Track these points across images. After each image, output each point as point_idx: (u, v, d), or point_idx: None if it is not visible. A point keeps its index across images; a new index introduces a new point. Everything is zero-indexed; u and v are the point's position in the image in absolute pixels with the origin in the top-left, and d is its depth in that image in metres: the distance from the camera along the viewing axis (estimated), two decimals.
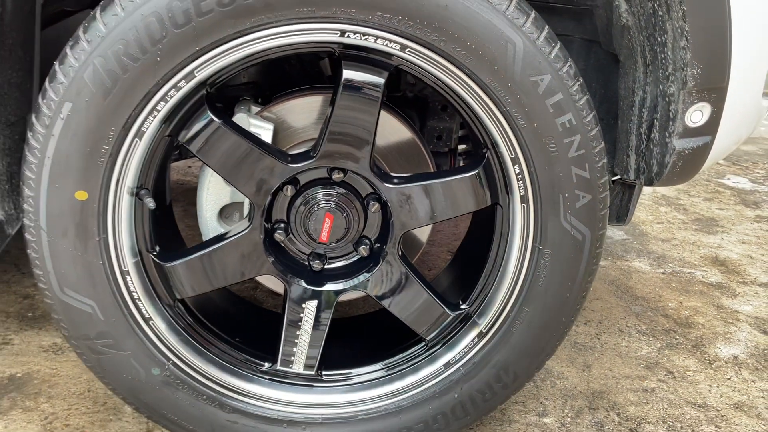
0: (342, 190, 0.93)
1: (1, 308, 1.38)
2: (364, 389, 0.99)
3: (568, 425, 1.15)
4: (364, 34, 0.78)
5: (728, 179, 2.56)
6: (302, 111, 0.96)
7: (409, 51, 0.80)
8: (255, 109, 0.97)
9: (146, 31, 0.74)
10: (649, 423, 1.17)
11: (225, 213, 0.97)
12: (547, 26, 0.81)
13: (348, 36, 0.79)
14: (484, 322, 0.95)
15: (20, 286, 1.47)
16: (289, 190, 0.91)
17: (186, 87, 0.79)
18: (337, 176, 0.91)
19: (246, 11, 0.75)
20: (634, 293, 1.64)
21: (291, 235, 0.95)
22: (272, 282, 1.03)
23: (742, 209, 2.28)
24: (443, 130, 1.14)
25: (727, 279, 1.75)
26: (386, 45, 0.79)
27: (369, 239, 0.96)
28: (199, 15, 0.74)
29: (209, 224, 0.96)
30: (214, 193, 0.95)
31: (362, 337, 1.13)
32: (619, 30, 0.97)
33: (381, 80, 0.83)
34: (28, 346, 1.26)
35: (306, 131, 0.96)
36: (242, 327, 1.07)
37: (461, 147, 1.16)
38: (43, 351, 1.25)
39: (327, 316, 0.95)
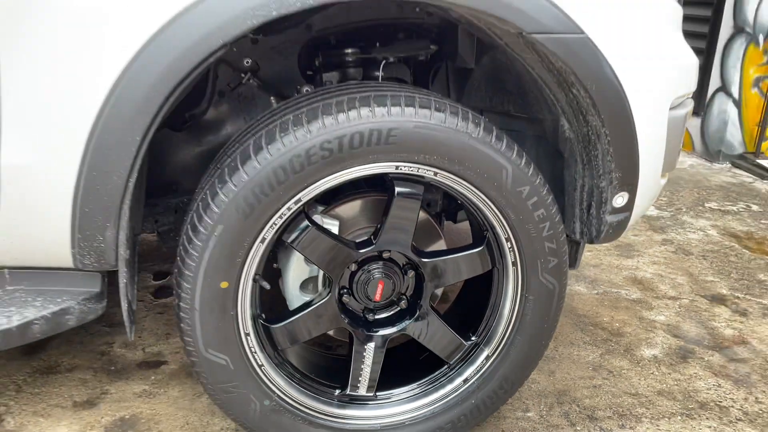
0: (389, 264, 1.33)
1: (87, 365, 1.69)
2: (408, 402, 1.39)
3: (544, 416, 1.58)
4: (411, 167, 1.20)
5: None
6: (354, 210, 1.36)
7: (439, 175, 1.21)
8: (320, 208, 1.36)
9: (275, 177, 1.12)
10: (600, 410, 1.62)
11: (304, 285, 1.35)
12: (525, 154, 1.25)
13: (400, 168, 1.19)
14: (490, 349, 1.37)
15: (93, 345, 1.78)
16: (353, 266, 1.30)
17: (294, 208, 1.18)
18: (386, 255, 1.32)
19: (338, 160, 1.14)
20: (577, 312, 2.11)
21: (353, 297, 1.34)
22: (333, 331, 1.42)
23: (652, 234, 2.82)
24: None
25: (644, 295, 2.26)
26: (425, 172, 1.21)
27: (406, 296, 1.37)
28: (309, 164, 1.13)
29: (293, 294, 1.34)
30: (297, 271, 1.33)
31: (401, 364, 1.53)
32: (563, 139, 1.42)
33: (420, 192, 1.25)
34: (124, 394, 1.59)
35: (357, 223, 1.36)
36: (316, 366, 1.45)
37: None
38: (138, 396, 1.58)
39: (381, 352, 1.35)
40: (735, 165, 3.98)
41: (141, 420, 1.50)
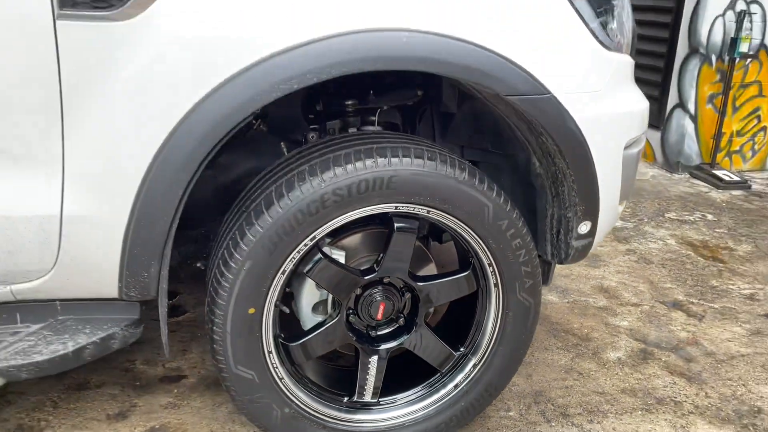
0: (388, 287, 1.54)
1: (114, 381, 1.88)
2: (407, 406, 1.61)
3: (524, 415, 1.81)
4: (408, 207, 1.41)
5: None
6: (357, 241, 1.57)
7: (432, 213, 1.43)
8: (328, 240, 1.56)
9: (294, 220, 1.33)
10: (571, 407, 1.86)
11: (315, 308, 1.56)
12: (503, 193, 1.47)
13: (398, 208, 1.41)
14: (476, 358, 1.60)
15: (117, 362, 1.96)
16: (358, 290, 1.52)
17: (310, 243, 1.38)
18: (386, 279, 1.53)
19: (348, 204, 1.35)
20: (550, 320, 2.35)
21: (358, 317, 1.55)
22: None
23: (617, 245, 3.09)
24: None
25: (609, 303, 2.51)
26: (420, 211, 1.42)
27: (404, 315, 1.59)
28: (323, 208, 1.34)
29: (306, 316, 1.55)
30: (309, 296, 1.53)
31: (400, 373, 1.74)
32: (535, 174, 1.65)
33: (415, 227, 1.47)
34: (151, 406, 1.77)
35: (360, 253, 1.57)
36: (327, 377, 1.66)
37: None
38: (165, 408, 1.77)
39: (383, 364, 1.56)
40: (693, 175, 4.28)
41: (170, 429, 1.68)
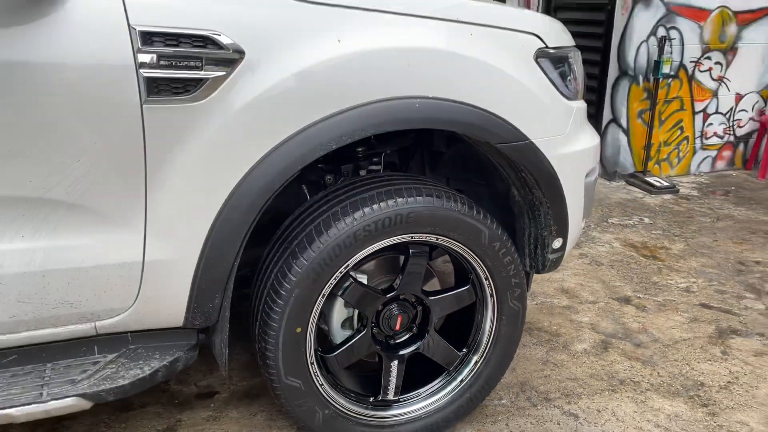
0: (403, 302, 1.85)
1: (155, 401, 2.10)
2: (423, 400, 1.92)
3: (513, 401, 2.15)
4: (421, 236, 1.73)
5: None
6: (376, 266, 1.87)
7: (440, 239, 1.75)
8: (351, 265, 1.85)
9: (333, 252, 1.62)
10: (552, 393, 2.21)
11: (343, 324, 1.85)
12: (495, 220, 1.81)
13: (414, 237, 1.72)
14: (478, 355, 1.93)
15: None
16: (380, 306, 1.82)
17: (344, 271, 1.68)
18: (401, 296, 1.84)
19: (375, 237, 1.65)
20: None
21: (380, 329, 1.85)
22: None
23: (571, 250, 3.49)
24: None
25: (571, 302, 2.89)
26: (430, 238, 1.74)
27: (416, 324, 1.90)
28: (356, 241, 1.64)
29: (337, 331, 1.84)
30: (339, 314, 1.83)
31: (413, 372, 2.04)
32: (514, 202, 2.00)
33: (426, 251, 1.78)
34: (195, 420, 2.02)
35: (379, 275, 1.87)
36: (355, 381, 1.95)
37: None
38: (207, 420, 2.02)
39: (402, 367, 1.87)
40: (629, 183, 4.77)
41: None
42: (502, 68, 1.71)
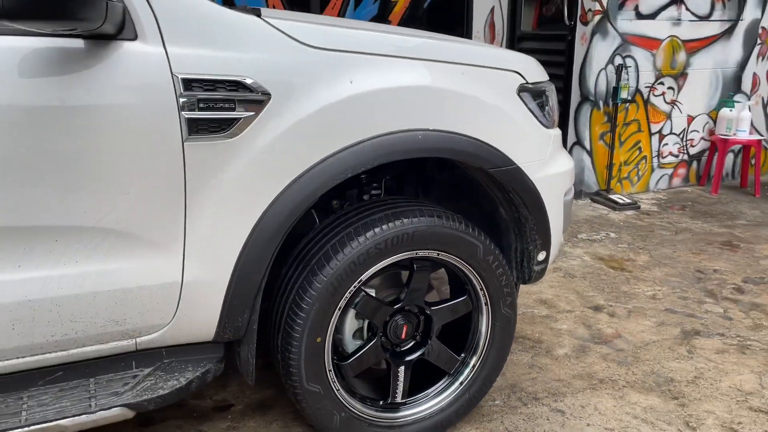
0: (407, 313, 2.05)
1: (174, 415, 2.25)
2: (427, 402, 2.11)
3: (506, 402, 2.36)
4: (424, 252, 1.94)
5: None
6: (383, 280, 2.07)
7: (441, 255, 1.96)
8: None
9: (349, 268, 1.82)
10: (539, 393, 2.43)
11: (354, 334, 2.04)
12: (488, 237, 2.03)
13: (418, 253, 1.93)
14: (474, 360, 2.13)
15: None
16: (387, 317, 2.02)
17: (357, 285, 1.87)
18: (406, 307, 2.04)
19: (384, 254, 1.85)
20: None
21: (387, 338, 2.05)
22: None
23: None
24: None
25: (550, 311, 3.13)
26: (432, 254, 1.95)
27: (420, 332, 2.10)
28: (368, 258, 1.84)
29: (349, 341, 2.02)
30: (351, 325, 2.01)
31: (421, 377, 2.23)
32: (500, 219, 2.23)
33: (429, 266, 1.99)
34: (216, 430, 2.17)
35: (385, 288, 2.07)
36: (366, 386, 2.13)
37: None
38: (227, 430, 2.17)
39: (408, 372, 2.06)
40: (593, 200, 5.08)
41: None
42: (490, 102, 1.95)
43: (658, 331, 2.94)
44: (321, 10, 5.21)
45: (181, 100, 1.56)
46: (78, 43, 1.49)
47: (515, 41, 5.69)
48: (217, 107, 1.60)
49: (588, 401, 2.37)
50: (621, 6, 4.79)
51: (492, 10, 5.99)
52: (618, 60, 4.88)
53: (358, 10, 5.41)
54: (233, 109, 1.62)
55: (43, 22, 1.33)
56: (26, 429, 1.59)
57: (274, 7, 5.00)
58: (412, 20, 5.67)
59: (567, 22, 4.99)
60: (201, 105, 1.59)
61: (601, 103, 4.94)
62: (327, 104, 1.72)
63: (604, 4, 4.73)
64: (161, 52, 1.55)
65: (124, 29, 1.52)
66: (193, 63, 1.58)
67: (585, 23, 4.83)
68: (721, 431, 2.21)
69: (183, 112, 1.57)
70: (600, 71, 4.86)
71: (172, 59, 1.56)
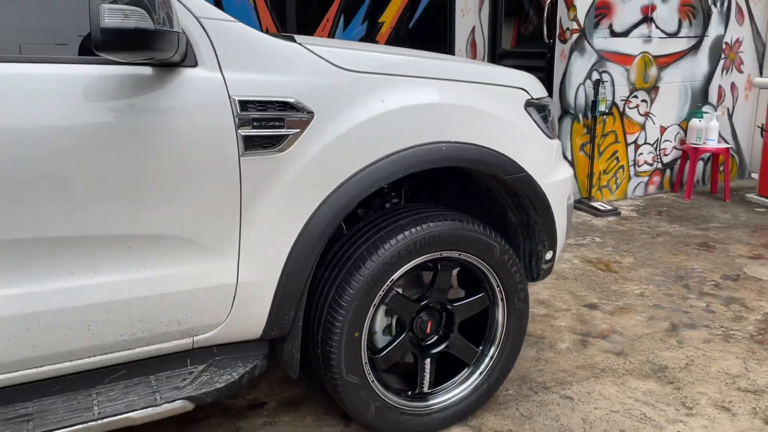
0: (431, 309, 2.25)
1: (214, 413, 2.39)
2: (449, 392, 2.30)
3: (519, 391, 2.56)
4: (448, 253, 2.14)
5: None
6: (408, 279, 2.26)
7: (462, 255, 2.16)
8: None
9: (382, 269, 2.01)
10: (548, 383, 2.63)
11: (383, 330, 2.23)
12: (503, 238, 2.25)
13: (442, 254, 2.14)
14: (492, 350, 2.33)
15: None
16: (414, 314, 2.21)
17: (390, 284, 2.06)
18: (432, 304, 2.24)
19: (413, 255, 2.05)
20: None
21: (413, 333, 2.23)
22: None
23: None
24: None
25: (548, 311, 3.35)
26: (454, 254, 2.16)
27: (442, 327, 2.29)
28: (399, 259, 2.03)
29: (379, 337, 2.21)
30: (381, 322, 2.20)
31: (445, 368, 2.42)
32: (509, 223, 2.45)
33: (451, 266, 2.19)
34: (253, 426, 2.32)
35: (411, 287, 2.26)
36: (396, 378, 2.31)
37: None
38: (264, 426, 2.32)
39: (434, 364, 2.25)
40: (577, 208, 5.35)
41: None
42: (502, 116, 2.18)
43: (649, 324, 3.18)
44: (312, 32, 5.44)
45: (238, 119, 1.75)
46: (147, 70, 1.67)
47: (496, 59, 5.97)
48: (269, 125, 1.79)
49: (593, 388, 2.59)
50: (596, 25, 5.10)
51: (473, 30, 6.28)
52: (595, 75, 5.18)
53: (347, 30, 5.64)
54: (282, 127, 1.81)
55: (128, 53, 1.51)
56: (100, 422, 1.74)
57: (267, 30, 5.20)
58: (397, 40, 5.92)
59: (546, 40, 5.29)
60: (254, 123, 1.77)
61: (580, 116, 5.23)
62: (362, 121, 1.92)
63: (581, 24, 5.04)
64: (219, 77, 1.74)
65: (187, 57, 1.71)
66: (247, 86, 1.77)
67: (564, 41, 5.13)
68: (715, 409, 2.44)
69: (239, 130, 1.75)
70: (579, 86, 5.15)
71: (228, 83, 1.75)
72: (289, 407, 2.44)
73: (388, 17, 5.79)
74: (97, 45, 1.44)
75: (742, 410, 2.44)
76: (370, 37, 5.70)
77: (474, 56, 6.30)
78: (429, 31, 6.05)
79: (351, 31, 5.65)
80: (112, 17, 1.42)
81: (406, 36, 5.99)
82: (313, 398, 2.49)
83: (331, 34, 5.55)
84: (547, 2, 5.26)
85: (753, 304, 3.41)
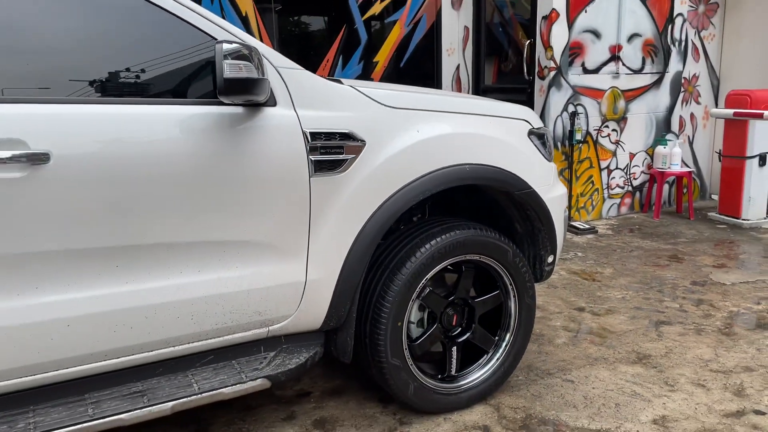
0: (455, 305, 2.68)
1: (268, 403, 2.76)
2: (472, 375, 2.71)
3: (527, 377, 2.99)
4: (470, 256, 2.58)
5: None
6: (433, 281, 2.69)
7: (482, 257, 2.60)
8: None
9: (419, 269, 2.43)
10: (551, 369, 3.06)
11: (417, 322, 2.64)
12: (514, 243, 2.70)
13: (466, 257, 2.57)
14: (508, 336, 2.76)
15: (257, 393, 2.85)
16: (443, 308, 2.63)
17: (424, 282, 2.49)
18: (456, 301, 2.67)
19: (444, 257, 2.49)
20: None
21: (441, 325, 2.65)
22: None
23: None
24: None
25: (543, 313, 3.80)
26: (475, 257, 2.60)
27: (465, 320, 2.72)
28: (433, 261, 2.46)
29: (412, 328, 2.62)
30: (415, 315, 2.62)
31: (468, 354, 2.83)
32: (515, 232, 2.91)
33: (473, 267, 2.63)
34: (305, 409, 2.69)
35: (438, 286, 2.69)
36: (428, 363, 2.72)
37: None
38: (314, 409, 2.70)
39: (459, 352, 2.67)
40: None
41: (328, 418, 2.63)
42: (511, 143, 2.65)
43: (632, 323, 3.65)
44: (314, 71, 5.91)
45: (309, 147, 2.18)
46: (239, 109, 2.10)
47: (480, 93, 6.52)
48: (332, 152, 2.23)
49: (589, 373, 3.03)
50: (571, 63, 5.68)
51: (458, 68, 6.84)
52: (571, 108, 5.74)
53: (345, 69, 6.14)
54: (342, 153, 2.25)
55: (238, 96, 1.94)
56: (200, 396, 2.12)
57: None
58: (390, 77, 6.44)
59: (526, 77, 5.85)
60: (321, 150, 2.21)
61: (559, 145, 5.77)
62: (403, 147, 2.37)
63: (557, 62, 5.61)
64: (293, 114, 2.18)
65: (269, 99, 2.14)
66: (314, 121, 2.20)
67: (542, 78, 5.69)
68: (692, 386, 2.90)
69: (310, 156, 2.18)
70: (557, 117, 5.70)
71: (301, 119, 2.18)
72: (333, 395, 2.83)
73: (382, 57, 6.32)
74: (221, 90, 1.87)
75: (715, 386, 2.90)
76: (366, 74, 6.21)
77: (459, 91, 6.84)
78: (418, 68, 6.59)
79: (349, 70, 6.15)
80: (232, 70, 1.86)
81: (398, 74, 6.52)
82: (352, 387, 2.88)
83: (331, 73, 6.04)
84: (526, 43, 5.84)
85: (719, 304, 3.91)
